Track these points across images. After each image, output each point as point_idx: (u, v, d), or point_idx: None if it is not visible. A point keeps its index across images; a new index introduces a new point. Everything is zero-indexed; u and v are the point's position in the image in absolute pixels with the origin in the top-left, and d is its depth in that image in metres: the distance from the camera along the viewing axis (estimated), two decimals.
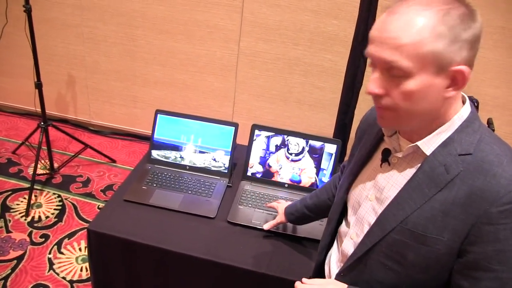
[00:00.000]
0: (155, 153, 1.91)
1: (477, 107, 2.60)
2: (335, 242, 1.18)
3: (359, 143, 1.11)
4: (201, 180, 1.83)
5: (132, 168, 3.04)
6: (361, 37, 1.84)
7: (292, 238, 1.61)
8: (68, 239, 2.40)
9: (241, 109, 3.07)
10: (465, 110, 0.89)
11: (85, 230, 2.43)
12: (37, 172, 2.75)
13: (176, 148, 1.89)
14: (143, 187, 1.76)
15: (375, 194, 0.99)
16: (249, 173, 1.87)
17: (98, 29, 3.02)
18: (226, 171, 1.87)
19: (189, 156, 1.88)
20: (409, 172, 0.92)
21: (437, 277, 0.91)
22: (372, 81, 0.85)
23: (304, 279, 1.05)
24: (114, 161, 3.08)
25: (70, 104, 3.39)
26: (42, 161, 2.93)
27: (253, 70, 2.92)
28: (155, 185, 1.78)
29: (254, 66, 2.90)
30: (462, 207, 0.83)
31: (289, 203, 1.57)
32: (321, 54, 2.78)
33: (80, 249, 2.35)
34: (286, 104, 2.99)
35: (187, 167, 1.88)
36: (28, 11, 2.42)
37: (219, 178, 1.86)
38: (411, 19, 0.78)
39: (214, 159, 1.87)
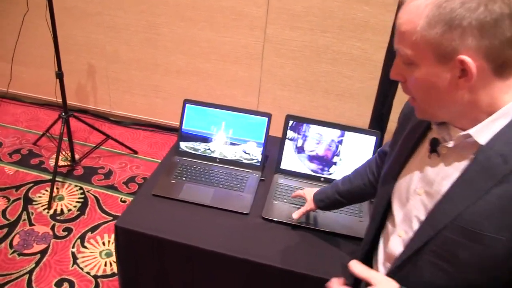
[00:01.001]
0: (183, 145, 1.82)
1: None
2: (381, 240, 1.08)
3: (403, 130, 1.03)
4: (233, 173, 1.74)
5: (154, 160, 3.01)
6: None
7: (329, 235, 1.52)
8: (91, 233, 2.34)
9: (266, 99, 2.97)
10: None
11: (108, 223, 2.39)
12: (59, 164, 2.69)
13: (205, 139, 1.80)
14: (172, 181, 1.67)
15: (424, 187, 0.91)
16: (282, 166, 1.77)
17: (119, 17, 2.93)
18: (258, 164, 1.77)
19: (219, 148, 1.79)
20: (461, 164, 0.84)
21: (494, 278, 0.82)
22: (392, 66, 0.85)
23: (353, 264, 0.91)
24: (136, 152, 3.01)
25: (90, 94, 3.32)
26: (63, 153, 2.87)
27: (279, 58, 2.81)
28: (184, 178, 1.69)
29: (280, 55, 2.79)
30: None
31: (316, 189, 1.49)
32: (350, 42, 2.66)
33: (103, 243, 2.29)
34: (313, 93, 2.88)
35: (217, 160, 1.79)
36: None
37: (251, 171, 1.77)
38: (412, 6, 0.77)
39: (246, 151, 1.78)
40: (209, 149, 1.79)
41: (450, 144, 0.85)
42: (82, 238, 2.31)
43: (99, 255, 2.23)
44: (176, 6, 2.79)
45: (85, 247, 2.26)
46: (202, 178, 1.70)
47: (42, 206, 2.49)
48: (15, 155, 2.88)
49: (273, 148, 1.86)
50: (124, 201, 2.57)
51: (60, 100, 2.65)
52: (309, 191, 1.50)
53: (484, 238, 0.78)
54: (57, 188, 2.62)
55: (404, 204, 0.96)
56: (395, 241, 0.97)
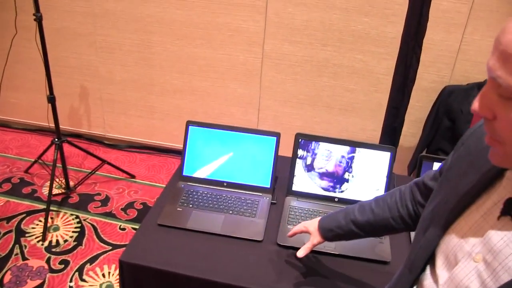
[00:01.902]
0: (187, 170, 1.71)
1: None
2: None
3: (461, 165, 0.84)
4: (242, 197, 1.63)
5: (153, 184, 2.89)
6: (414, 31, 1.64)
7: (349, 260, 1.41)
8: (90, 265, 2.21)
9: (267, 116, 2.88)
10: None
11: (108, 253, 2.27)
12: (53, 192, 2.56)
13: (211, 163, 1.69)
14: (178, 209, 1.56)
15: (484, 255, 0.71)
16: (294, 188, 1.67)
17: (112, 37, 2.84)
18: (269, 186, 1.67)
19: (226, 171, 1.68)
20: None
21: None
22: (478, 97, 0.66)
23: None
24: (133, 176, 2.89)
25: (84, 118, 3.21)
26: (57, 180, 2.74)
27: (278, 74, 2.73)
28: (191, 205, 1.58)
29: (279, 70, 2.71)
30: None
31: (318, 218, 1.28)
32: (351, 55, 2.59)
33: (103, 275, 2.15)
34: (314, 109, 2.79)
35: (225, 184, 1.68)
36: (39, 19, 2.25)
37: (261, 194, 1.66)
38: None
39: (254, 174, 1.67)
40: (215, 173, 1.69)
41: None
42: (80, 270, 2.17)
43: None
44: (171, 23, 2.71)
45: (84, 280, 2.12)
46: (210, 204, 1.59)
47: (36, 238, 2.35)
48: (5, 184, 2.74)
49: (280, 168, 1.76)
50: (123, 229, 2.44)
51: (52, 125, 2.53)
52: (311, 222, 1.29)
53: None
54: (51, 218, 2.49)
55: (451, 265, 0.78)
56: None
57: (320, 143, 1.65)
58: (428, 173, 1.05)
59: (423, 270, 0.87)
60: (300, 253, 1.25)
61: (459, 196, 0.80)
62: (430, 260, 0.86)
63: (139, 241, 1.45)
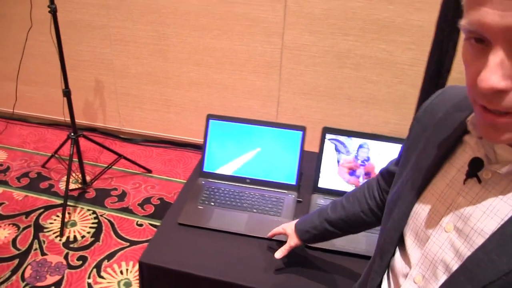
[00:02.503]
0: (208, 166, 1.65)
1: None
2: (386, 280, 0.85)
3: (418, 143, 0.81)
4: (266, 195, 1.57)
5: (170, 178, 2.84)
6: (452, 15, 1.55)
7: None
8: (108, 261, 2.17)
9: (286, 109, 2.80)
10: None
11: (125, 250, 2.22)
12: (69, 187, 2.52)
13: (233, 158, 1.63)
14: (199, 207, 1.50)
15: (455, 223, 0.68)
16: (320, 185, 1.60)
17: (127, 29, 2.78)
18: (294, 183, 1.60)
19: (249, 167, 1.62)
20: None
21: None
22: (492, 69, 0.52)
23: None
24: (149, 171, 2.84)
25: (99, 112, 3.17)
26: (74, 175, 2.70)
27: (298, 65, 2.64)
28: (212, 203, 1.52)
29: (299, 61, 2.63)
30: None
31: (295, 220, 1.26)
32: (374, 44, 2.49)
33: (121, 272, 2.11)
34: (335, 101, 2.71)
35: (247, 180, 1.62)
36: (54, 11, 2.19)
37: (286, 192, 1.59)
38: None
39: (279, 170, 1.60)
40: (237, 169, 1.62)
41: (504, 168, 0.62)
42: (98, 267, 2.14)
43: (117, 285, 2.05)
44: (187, 14, 2.63)
45: (102, 277, 2.08)
46: (232, 202, 1.53)
47: (54, 233, 2.32)
48: (23, 179, 2.72)
49: (305, 164, 1.69)
50: (141, 225, 2.40)
51: (68, 119, 2.49)
52: (288, 225, 1.27)
53: None
54: (68, 213, 2.45)
55: (422, 241, 0.74)
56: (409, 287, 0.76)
57: (352, 138, 1.57)
58: (391, 160, 1.02)
59: (394, 254, 0.83)
60: (278, 255, 1.25)
61: (422, 172, 0.77)
62: (399, 242, 0.81)
63: (159, 241, 1.39)
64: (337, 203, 1.15)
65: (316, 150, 1.79)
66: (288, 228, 1.26)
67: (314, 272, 1.31)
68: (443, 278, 0.69)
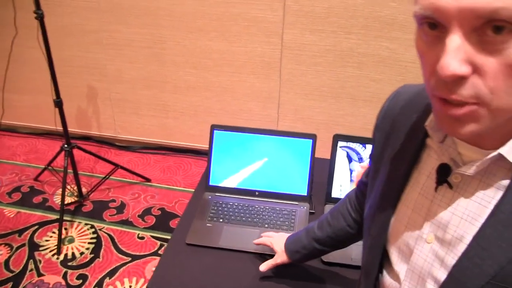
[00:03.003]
0: (215, 180, 1.55)
1: None
2: None
3: (383, 153, 0.76)
4: (277, 208, 1.47)
5: (170, 187, 2.73)
6: None
7: None
8: (109, 279, 2.07)
9: (287, 111, 2.71)
10: None
11: (127, 265, 2.13)
12: (65, 201, 2.41)
13: (240, 170, 1.53)
14: (208, 225, 1.40)
15: (435, 232, 0.65)
16: (334, 195, 1.50)
17: (120, 33, 2.67)
18: (305, 194, 1.50)
19: (258, 179, 1.52)
20: (488, 196, 0.59)
21: None
22: (451, 54, 0.48)
23: None
24: (148, 180, 2.74)
25: (93, 119, 3.05)
26: (69, 187, 2.59)
27: (299, 65, 2.55)
28: (221, 220, 1.42)
29: (300, 61, 2.53)
30: None
31: (286, 235, 1.22)
32: (377, 42, 2.41)
33: None
34: (338, 101, 2.62)
35: (256, 193, 1.52)
36: (41, 17, 2.07)
37: (297, 203, 1.50)
38: None
39: (289, 181, 1.51)
40: (245, 181, 1.53)
41: (471, 169, 0.59)
42: (99, 285, 2.03)
43: None
44: (183, 16, 2.53)
45: None
46: (243, 217, 1.43)
47: (51, 251, 2.21)
48: (15, 194, 2.60)
49: (315, 172, 1.59)
50: (142, 238, 2.30)
51: (60, 128, 2.37)
52: (278, 241, 1.23)
53: None
54: (65, 229, 2.34)
55: (407, 256, 0.71)
56: None
57: (366, 145, 1.48)
58: (366, 170, 0.98)
59: (380, 271, 0.79)
60: (263, 268, 1.21)
61: (392, 183, 0.73)
62: (385, 259, 0.78)
63: (166, 264, 1.29)
64: (323, 221, 1.12)
65: (322, 154, 1.70)
66: (276, 246, 1.22)
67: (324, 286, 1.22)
68: None
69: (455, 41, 0.48)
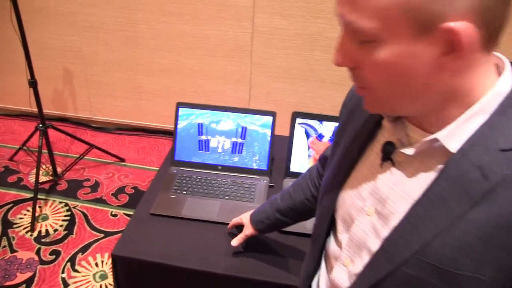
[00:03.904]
0: (179, 154, 1.63)
1: None
2: (323, 263, 0.89)
3: (346, 128, 0.82)
4: (238, 181, 1.56)
5: (143, 167, 2.80)
6: None
7: None
8: (82, 254, 2.14)
9: (259, 93, 2.78)
10: (506, 81, 0.59)
11: (100, 241, 2.19)
12: (40, 180, 2.47)
13: (204, 145, 1.61)
14: (172, 196, 1.48)
15: (375, 206, 0.71)
16: (292, 169, 1.59)
17: (95, 16, 2.70)
18: (265, 168, 1.59)
19: (220, 154, 1.60)
20: (426, 177, 0.64)
21: None
22: (337, 49, 0.61)
23: None
24: (122, 160, 2.80)
25: (69, 101, 3.09)
26: (44, 167, 2.64)
27: (269, 49, 2.62)
28: (185, 192, 1.50)
29: (270, 45, 2.60)
30: (510, 231, 0.56)
31: (253, 210, 1.28)
32: None
33: (96, 264, 2.08)
34: (307, 84, 2.70)
35: (219, 167, 1.60)
36: None
37: (258, 177, 1.58)
38: None
39: (250, 155, 1.59)
40: (209, 156, 1.60)
41: (411, 151, 0.64)
42: (72, 260, 2.10)
43: (93, 278, 2.03)
44: (156, 0, 2.57)
45: (76, 270, 2.05)
46: (205, 190, 1.51)
47: (24, 228, 2.27)
48: None
49: (276, 148, 1.68)
50: (115, 215, 2.37)
51: (35, 109, 2.41)
52: (245, 215, 1.30)
53: (459, 278, 0.59)
54: (39, 207, 2.40)
55: (349, 225, 0.77)
56: (340, 272, 0.79)
57: (320, 121, 1.56)
58: (329, 146, 1.03)
59: (326, 238, 0.87)
60: (234, 242, 1.27)
61: (346, 155, 0.79)
62: (332, 227, 0.85)
63: (131, 233, 1.37)
64: (285, 193, 1.18)
65: (287, 133, 1.79)
66: (244, 218, 1.29)
67: (288, 256, 1.31)
68: (366, 259, 0.71)
69: (341, 40, 0.60)
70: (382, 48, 0.55)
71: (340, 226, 0.80)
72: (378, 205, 0.70)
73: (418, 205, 0.63)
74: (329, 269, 0.84)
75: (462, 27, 0.51)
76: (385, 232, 0.68)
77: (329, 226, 0.85)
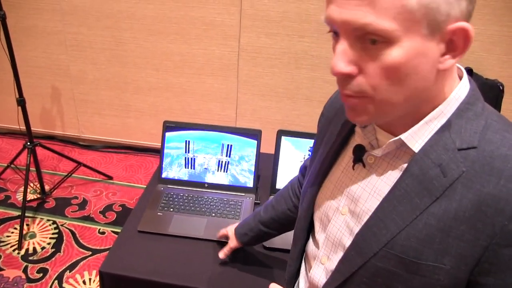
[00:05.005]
0: (166, 172, 1.66)
1: (502, 91, 2.41)
2: (303, 265, 0.94)
3: (323, 137, 0.87)
4: (224, 199, 1.59)
5: (131, 184, 2.82)
6: None
7: None
8: (70, 272, 2.14)
9: (245, 111, 2.83)
10: (463, 87, 0.66)
11: (87, 259, 2.20)
12: (27, 198, 2.47)
13: (190, 164, 1.64)
14: (159, 214, 1.51)
15: (348, 205, 0.76)
16: (278, 186, 1.63)
17: (82, 35, 2.74)
18: (252, 186, 1.62)
19: (207, 173, 1.63)
20: (392, 176, 0.69)
21: None
22: (338, 56, 0.60)
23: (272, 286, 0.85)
24: (110, 177, 2.81)
25: (57, 119, 3.11)
26: (32, 185, 2.65)
27: (256, 67, 2.67)
28: (172, 209, 1.53)
29: (257, 63, 2.66)
30: (468, 223, 0.61)
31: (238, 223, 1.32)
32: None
33: (84, 282, 2.09)
34: (294, 102, 2.75)
35: (206, 185, 1.63)
36: (2, 18, 2.13)
37: (243, 195, 1.62)
38: None
39: (236, 174, 1.63)
40: (195, 173, 1.64)
41: (379, 152, 0.70)
42: (59, 278, 2.10)
43: None
44: (143, 19, 2.62)
45: None
46: (191, 207, 1.54)
47: (12, 246, 2.26)
48: None
49: (262, 166, 1.72)
50: (103, 233, 2.37)
51: (23, 127, 2.43)
52: (231, 227, 1.33)
53: (422, 267, 0.65)
54: (27, 225, 2.40)
55: (325, 226, 0.82)
56: (318, 269, 0.84)
57: (302, 139, 1.61)
58: (309, 157, 1.08)
59: (307, 241, 0.91)
60: (221, 255, 1.31)
61: (322, 161, 0.84)
62: (311, 229, 0.89)
63: (119, 250, 1.39)
64: (268, 204, 1.21)
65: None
66: (229, 230, 1.32)
67: (273, 272, 1.34)
68: (341, 255, 0.76)
69: (342, 46, 0.60)
70: (394, 47, 0.57)
71: (317, 226, 0.85)
72: (351, 204, 0.75)
73: (385, 201, 0.68)
74: (308, 269, 0.88)
75: (469, 26, 0.57)
76: (357, 229, 0.73)
77: (309, 228, 0.90)
